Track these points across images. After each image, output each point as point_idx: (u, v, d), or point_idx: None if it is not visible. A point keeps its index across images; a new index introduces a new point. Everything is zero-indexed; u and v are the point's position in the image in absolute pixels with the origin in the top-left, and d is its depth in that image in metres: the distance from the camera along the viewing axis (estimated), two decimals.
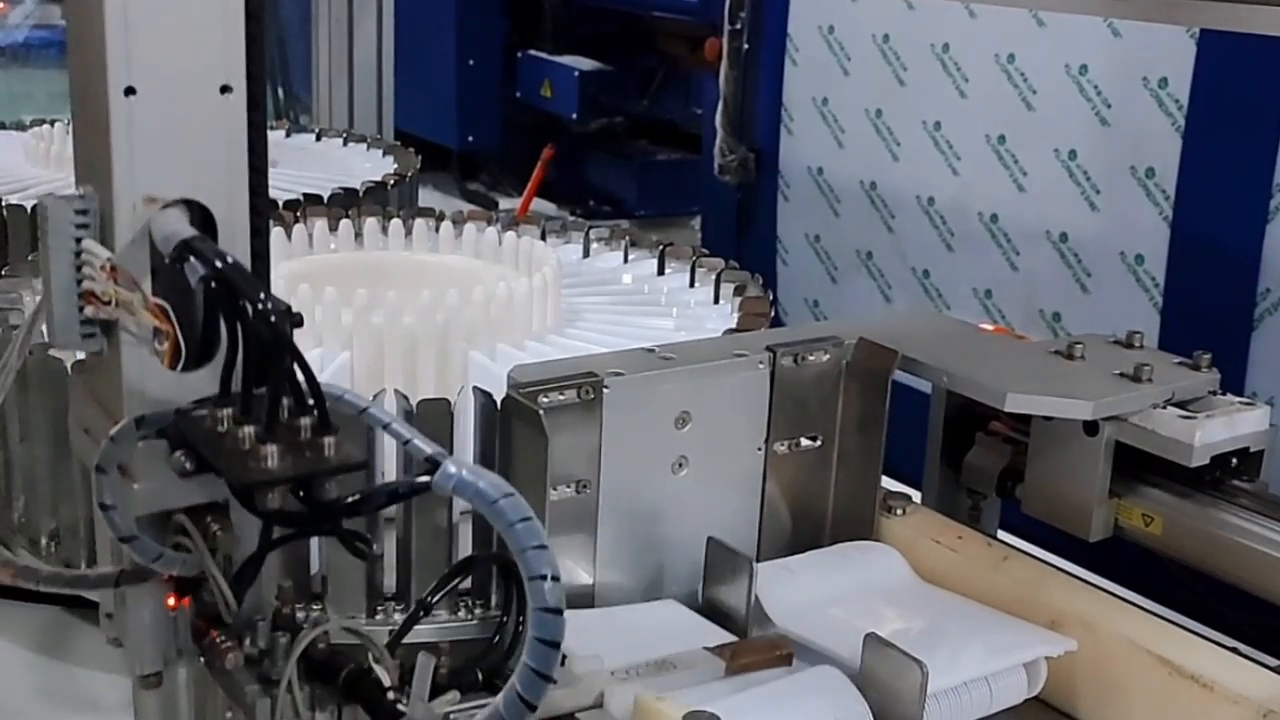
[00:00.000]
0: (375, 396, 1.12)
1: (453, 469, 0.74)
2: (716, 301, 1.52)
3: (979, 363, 1.20)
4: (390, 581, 1.15)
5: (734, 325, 1.36)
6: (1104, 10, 1.68)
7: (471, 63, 4.96)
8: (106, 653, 1.20)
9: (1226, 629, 1.14)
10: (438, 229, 1.59)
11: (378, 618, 1.14)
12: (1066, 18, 2.26)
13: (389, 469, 1.14)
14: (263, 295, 0.74)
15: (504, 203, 5.03)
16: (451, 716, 0.81)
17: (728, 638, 1.02)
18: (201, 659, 0.86)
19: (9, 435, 1.27)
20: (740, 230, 3.21)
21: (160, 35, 0.77)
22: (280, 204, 1.67)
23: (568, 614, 0.70)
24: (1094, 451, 1.15)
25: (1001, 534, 1.28)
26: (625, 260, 1.62)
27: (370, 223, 1.56)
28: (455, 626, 1.14)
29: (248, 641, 0.84)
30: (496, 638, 0.88)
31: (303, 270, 1.44)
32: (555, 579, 0.71)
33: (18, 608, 1.26)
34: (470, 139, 5.09)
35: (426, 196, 2.02)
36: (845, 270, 2.92)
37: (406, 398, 1.12)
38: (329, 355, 1.29)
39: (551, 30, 4.99)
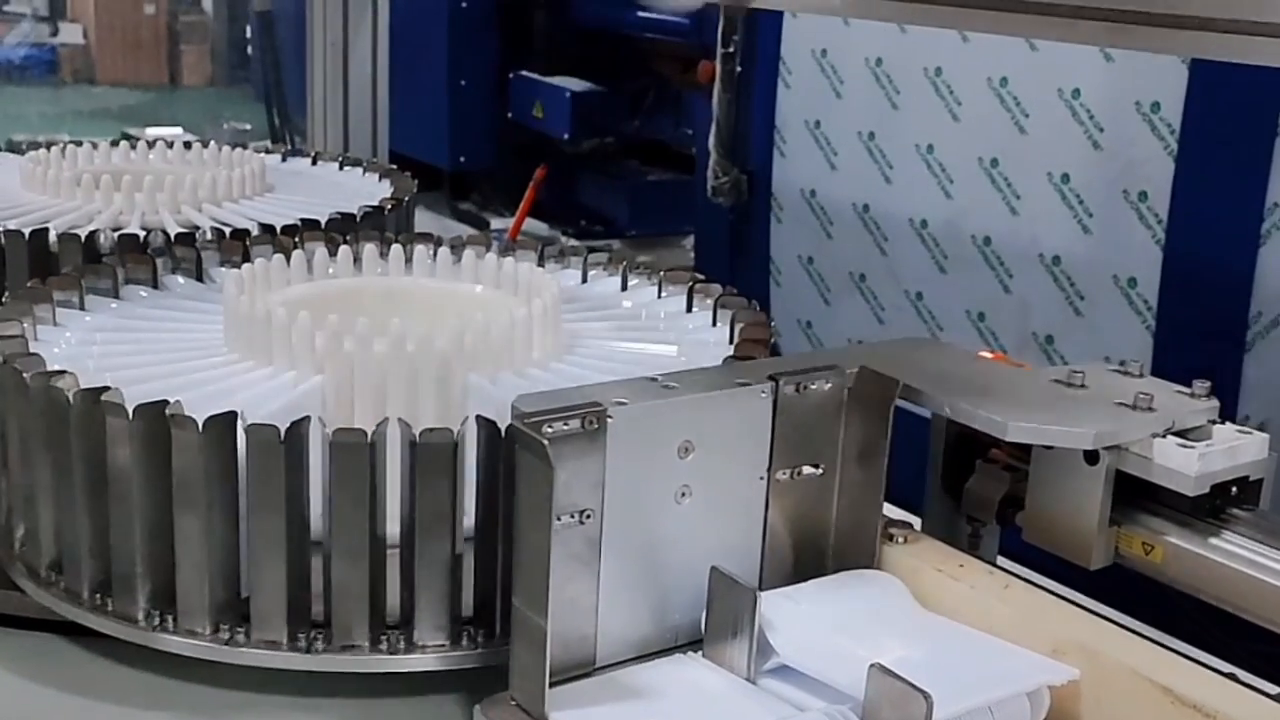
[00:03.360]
0: (378, 425, 1.12)
1: None
2: (714, 326, 1.52)
3: (980, 392, 1.21)
4: (395, 606, 1.16)
5: (734, 352, 1.37)
6: (1097, 40, 1.70)
7: (464, 84, 4.97)
8: (102, 680, 1.19)
9: (1227, 656, 1.15)
10: (435, 254, 1.59)
11: (381, 647, 1.14)
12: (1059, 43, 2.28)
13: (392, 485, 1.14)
14: None
15: (496, 223, 5.04)
16: None
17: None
18: None
19: (9, 462, 1.27)
20: (733, 251, 3.22)
21: None
22: (278, 229, 1.67)
23: (567, 688, 0.68)
24: (1094, 480, 1.15)
25: (1002, 560, 1.29)
26: (624, 286, 1.63)
27: (369, 248, 1.56)
28: (458, 655, 1.14)
29: None
30: None
31: (303, 297, 1.44)
32: None
33: (11, 634, 1.26)
34: (462, 159, 5.10)
35: (418, 217, 2.02)
36: (838, 292, 2.93)
37: (409, 426, 1.12)
38: (330, 383, 1.29)
39: (543, 51, 5.01)
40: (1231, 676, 1.03)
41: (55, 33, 10.65)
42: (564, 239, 4.48)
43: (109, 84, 10.30)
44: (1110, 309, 2.38)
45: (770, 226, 3.08)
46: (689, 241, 4.22)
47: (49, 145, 1.98)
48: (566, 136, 4.82)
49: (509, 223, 4.88)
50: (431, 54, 4.90)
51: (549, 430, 1.02)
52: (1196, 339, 2.27)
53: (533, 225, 4.93)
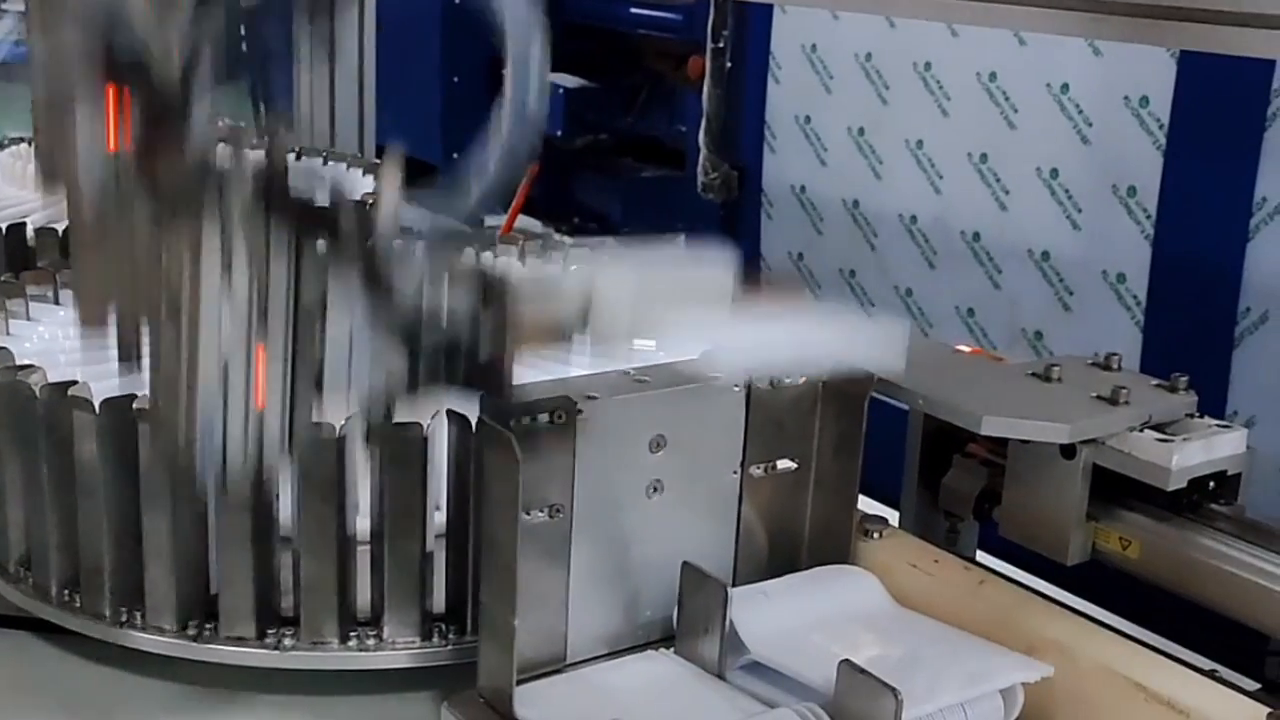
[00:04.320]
0: (347, 420, 1.11)
1: None
2: None
3: (955, 385, 1.20)
4: (365, 603, 1.14)
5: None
6: (1085, 31, 1.69)
7: (455, 79, 4.96)
8: (71, 677, 1.18)
9: (1205, 652, 1.14)
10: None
11: (350, 643, 1.13)
12: (1048, 37, 2.27)
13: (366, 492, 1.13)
14: None
15: (488, 219, 5.03)
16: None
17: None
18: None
19: None
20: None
21: None
22: None
23: (536, 684, 0.68)
24: (1071, 475, 1.15)
25: (980, 556, 1.28)
26: None
27: None
28: (429, 652, 1.13)
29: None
30: None
31: None
32: None
33: None
34: (455, 155, 5.09)
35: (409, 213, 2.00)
36: (828, 288, 2.92)
37: None
38: None
39: None
40: (1213, 673, 1.02)
41: None
42: (556, 236, 4.47)
43: None
44: (1099, 305, 2.37)
45: (760, 222, 3.07)
46: (682, 239, 4.20)
47: (29, 140, 1.97)
48: (559, 133, 4.80)
49: (502, 219, 4.87)
50: (424, 49, 4.89)
51: (517, 425, 1.01)
52: (1185, 335, 2.26)
53: (526, 222, 4.90)
